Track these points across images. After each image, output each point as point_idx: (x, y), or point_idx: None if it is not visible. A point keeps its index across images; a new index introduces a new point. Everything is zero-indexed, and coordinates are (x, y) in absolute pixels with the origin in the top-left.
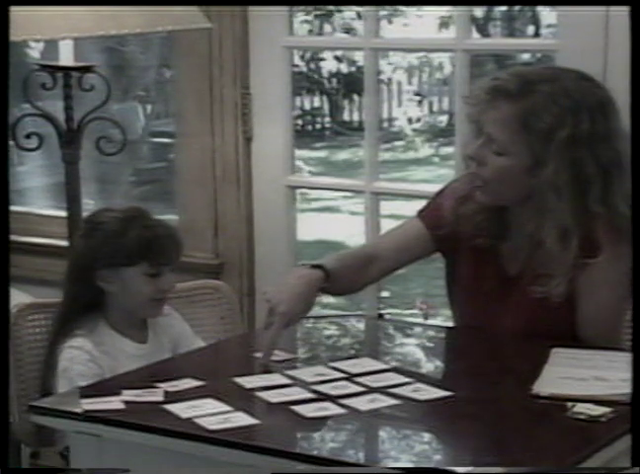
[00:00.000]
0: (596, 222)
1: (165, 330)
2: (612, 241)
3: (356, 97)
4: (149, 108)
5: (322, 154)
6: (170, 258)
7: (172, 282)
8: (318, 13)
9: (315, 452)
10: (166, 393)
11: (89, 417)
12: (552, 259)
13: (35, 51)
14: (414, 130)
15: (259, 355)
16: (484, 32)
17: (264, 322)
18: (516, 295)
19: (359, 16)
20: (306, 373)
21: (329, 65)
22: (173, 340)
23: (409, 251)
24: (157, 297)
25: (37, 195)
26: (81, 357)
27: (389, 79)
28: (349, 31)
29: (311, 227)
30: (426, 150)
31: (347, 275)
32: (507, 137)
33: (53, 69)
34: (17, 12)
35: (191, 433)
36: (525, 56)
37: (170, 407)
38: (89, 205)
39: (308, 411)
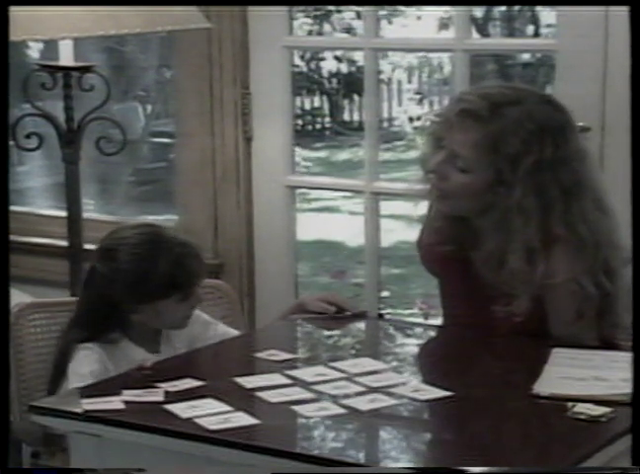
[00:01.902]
0: (556, 244)
1: (178, 334)
2: (571, 260)
3: (356, 97)
4: (149, 108)
5: (322, 154)
6: (200, 278)
7: (201, 296)
8: (318, 13)
9: (315, 452)
10: (166, 393)
11: (89, 417)
12: (516, 279)
13: (34, 51)
14: (415, 129)
15: (264, 352)
16: (484, 32)
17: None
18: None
19: (358, 16)
20: (306, 373)
21: (329, 65)
22: (189, 341)
23: None
24: (189, 315)
25: (37, 195)
26: (93, 357)
27: (389, 79)
28: (349, 31)
29: (311, 227)
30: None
31: None
32: (472, 157)
33: (53, 69)
34: (17, 12)
35: (191, 433)
36: (525, 56)
37: (170, 407)
38: (89, 205)
39: (308, 411)
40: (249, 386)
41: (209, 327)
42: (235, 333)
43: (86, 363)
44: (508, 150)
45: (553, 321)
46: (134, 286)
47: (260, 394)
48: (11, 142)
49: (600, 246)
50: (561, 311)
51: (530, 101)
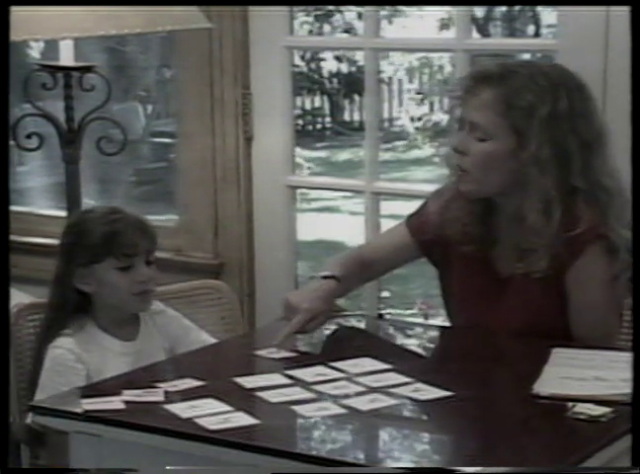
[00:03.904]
0: (576, 196)
1: (159, 329)
2: (597, 213)
3: (356, 97)
4: (150, 108)
5: (323, 154)
6: (136, 248)
7: (149, 274)
8: (318, 13)
9: (315, 452)
10: (166, 393)
11: (89, 417)
12: (535, 233)
13: (35, 51)
14: (416, 129)
15: (265, 350)
16: (484, 32)
17: (283, 316)
18: (508, 296)
19: (359, 16)
20: (306, 373)
21: (329, 65)
22: (170, 339)
23: (395, 257)
24: (136, 291)
25: (37, 195)
26: (64, 356)
27: (390, 79)
28: (349, 31)
29: (311, 227)
30: (427, 150)
31: (351, 280)
32: (490, 121)
33: (54, 69)
34: (17, 12)
35: (191, 433)
36: (526, 56)
37: (170, 407)
38: (89, 205)
39: (308, 411)
40: (249, 386)
41: (191, 332)
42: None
43: (58, 362)
44: (520, 104)
45: (576, 306)
46: (75, 247)
47: (260, 394)
48: (11, 142)
49: (625, 198)
50: (596, 272)
51: (543, 64)
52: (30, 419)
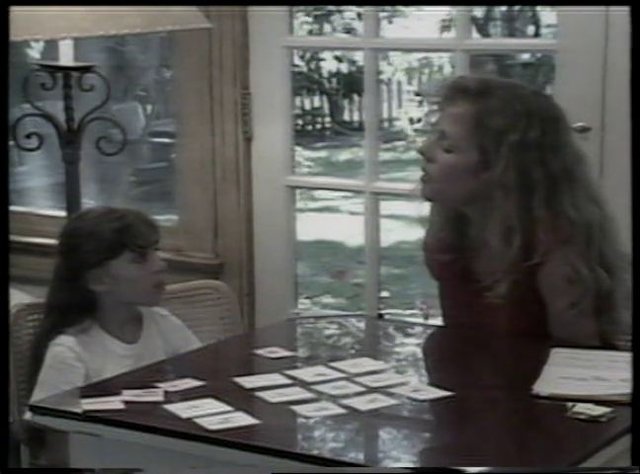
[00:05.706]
0: (537, 226)
1: (162, 334)
2: (559, 243)
3: (356, 97)
4: (149, 108)
5: (322, 154)
6: (148, 239)
7: (162, 264)
8: (318, 13)
9: (315, 452)
10: (166, 393)
11: (89, 417)
12: (494, 258)
13: (35, 51)
14: (415, 130)
15: (264, 350)
16: (484, 32)
17: None
18: (490, 300)
19: (359, 16)
20: (306, 373)
21: (329, 65)
22: (171, 347)
23: None
24: (153, 282)
25: (37, 195)
26: (64, 354)
27: (389, 79)
28: (349, 31)
29: (311, 227)
30: None
31: None
32: (458, 134)
33: (53, 69)
34: (17, 12)
35: (191, 433)
36: (525, 56)
37: (170, 407)
38: (89, 205)
39: (308, 411)
40: (249, 386)
41: (193, 346)
42: None
43: (58, 361)
44: (492, 126)
45: (549, 313)
46: (85, 248)
47: (260, 394)
48: (11, 142)
49: (592, 233)
50: (556, 299)
51: (525, 89)
52: (28, 415)
